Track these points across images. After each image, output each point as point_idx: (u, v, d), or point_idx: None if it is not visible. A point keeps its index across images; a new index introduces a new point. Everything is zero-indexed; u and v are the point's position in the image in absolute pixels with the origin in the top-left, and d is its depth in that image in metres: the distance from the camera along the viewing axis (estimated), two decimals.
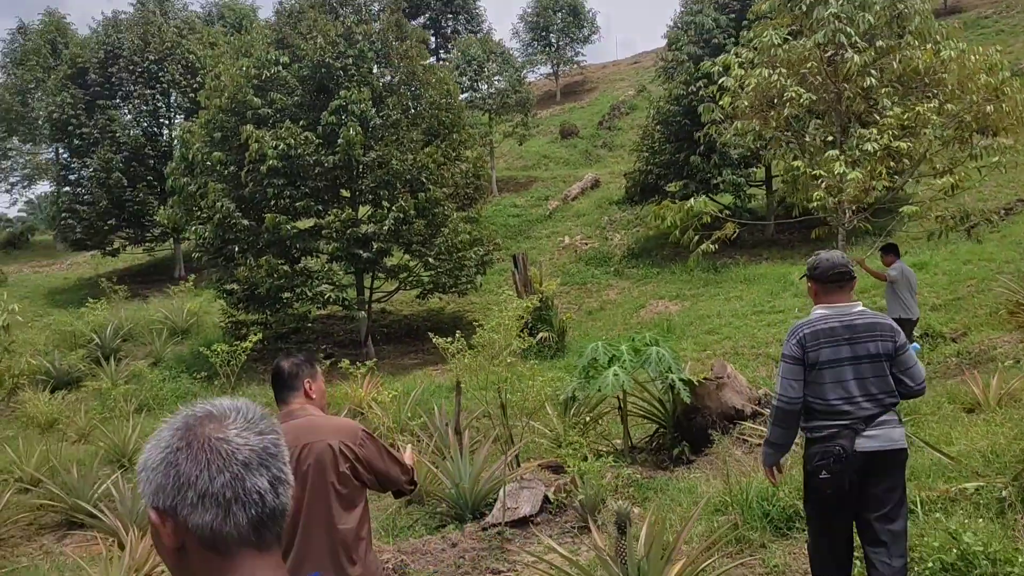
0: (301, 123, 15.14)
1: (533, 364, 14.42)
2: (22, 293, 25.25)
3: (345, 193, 16.58)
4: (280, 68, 15.43)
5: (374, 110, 15.43)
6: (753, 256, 19.30)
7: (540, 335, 14.37)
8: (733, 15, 19.39)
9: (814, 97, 8.76)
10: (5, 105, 30.63)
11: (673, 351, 7.52)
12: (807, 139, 9.41)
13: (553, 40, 40.03)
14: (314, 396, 3.18)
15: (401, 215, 15.02)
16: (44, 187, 36.92)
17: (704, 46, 18.96)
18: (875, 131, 8.43)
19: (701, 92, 18.28)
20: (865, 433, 3.64)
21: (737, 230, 11.25)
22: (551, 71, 40.83)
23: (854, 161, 8.61)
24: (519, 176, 30.19)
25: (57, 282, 26.93)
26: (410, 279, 17.37)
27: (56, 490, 9.55)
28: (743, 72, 9.32)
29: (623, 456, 7.75)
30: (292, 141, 14.62)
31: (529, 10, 39.95)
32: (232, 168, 15.65)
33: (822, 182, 8.65)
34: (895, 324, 3.82)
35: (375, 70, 15.88)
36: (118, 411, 13.17)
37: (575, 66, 41.45)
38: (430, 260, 15.63)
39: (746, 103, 9.31)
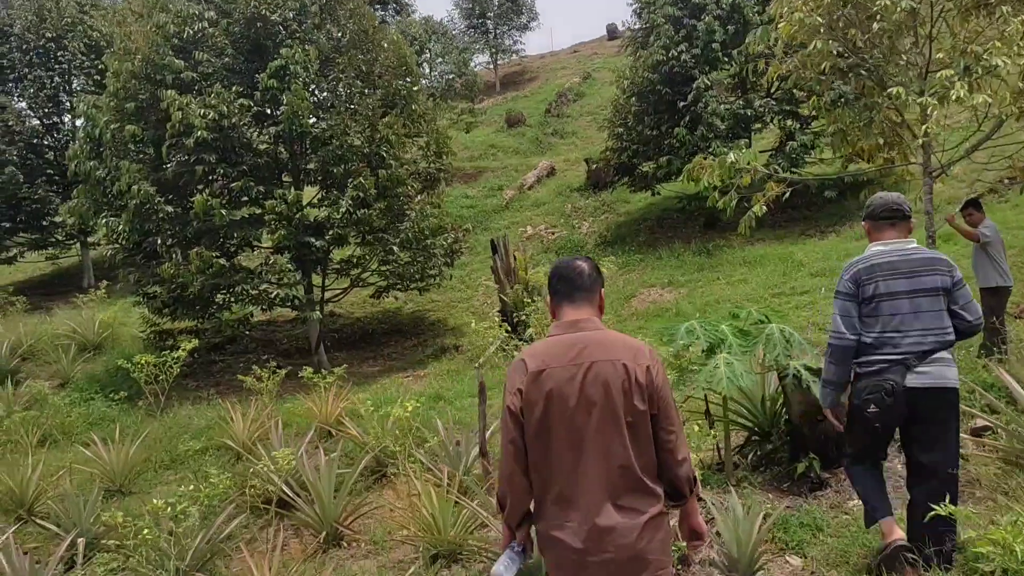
0: (234, 88, 12.61)
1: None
2: None
3: (287, 178, 14.08)
4: (206, 24, 12.86)
5: (322, 73, 13.04)
6: (748, 238, 17.57)
7: (529, 331, 12.23)
8: None
9: (915, 4, 6.85)
10: None
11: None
12: (905, 60, 7.51)
13: (491, 27, 37.97)
14: (601, 312, 2.78)
15: (360, 195, 12.64)
16: None
17: (684, 6, 17.14)
18: (997, 44, 6.56)
19: (684, 56, 16.49)
20: (917, 369, 3.63)
21: (787, 192, 9.30)
22: (489, 60, 38.72)
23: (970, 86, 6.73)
24: (467, 167, 28.09)
25: None
26: (364, 275, 14.98)
27: None
28: None
29: (716, 475, 5.68)
30: (224, 109, 12.09)
31: None
32: (150, 146, 12.99)
33: (931, 110, 6.74)
34: (951, 260, 3.79)
35: (321, 27, 13.43)
36: (15, 444, 10.45)
37: (515, 55, 39.46)
38: (395, 248, 13.26)
39: (819, 18, 7.35)
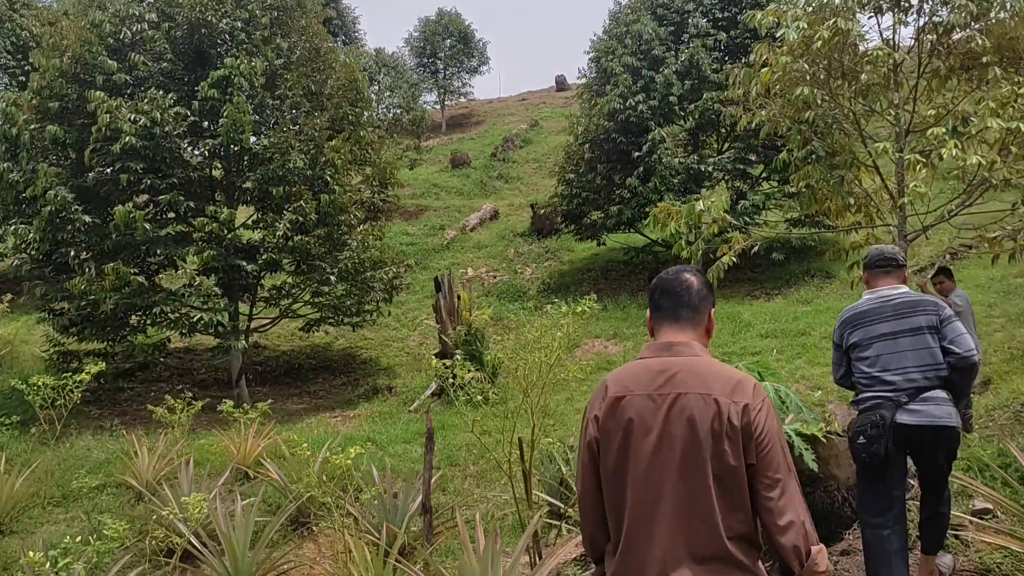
0: (170, 95, 11.73)
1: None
2: None
3: (219, 197, 13.17)
4: (146, 26, 12.00)
5: (267, 88, 12.29)
6: None
7: (470, 375, 11.51)
8: (672, 27, 17.66)
9: (906, 57, 6.59)
10: None
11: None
12: (893, 115, 7.22)
13: (440, 67, 37.74)
14: (709, 336, 2.42)
15: (299, 220, 11.83)
16: None
17: (643, 57, 17.03)
18: (991, 106, 6.32)
19: (641, 107, 16.32)
20: (908, 407, 3.72)
21: (757, 244, 8.94)
22: (437, 100, 38.41)
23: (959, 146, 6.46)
24: (409, 204, 27.42)
25: None
26: (295, 306, 14.08)
27: None
28: (804, 21, 7.04)
29: None
30: (158, 115, 11.19)
31: (416, 34, 37.54)
32: (72, 150, 11.97)
33: (921, 168, 6.44)
34: (939, 300, 3.93)
35: (270, 41, 12.71)
36: None
37: (463, 97, 39.25)
38: (331, 279, 12.44)
39: (805, 64, 7.04)
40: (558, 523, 5.97)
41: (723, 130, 18.33)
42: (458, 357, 5.24)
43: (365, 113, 14.61)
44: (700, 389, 2.19)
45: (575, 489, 2.65)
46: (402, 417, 11.61)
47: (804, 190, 8.89)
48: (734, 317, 14.74)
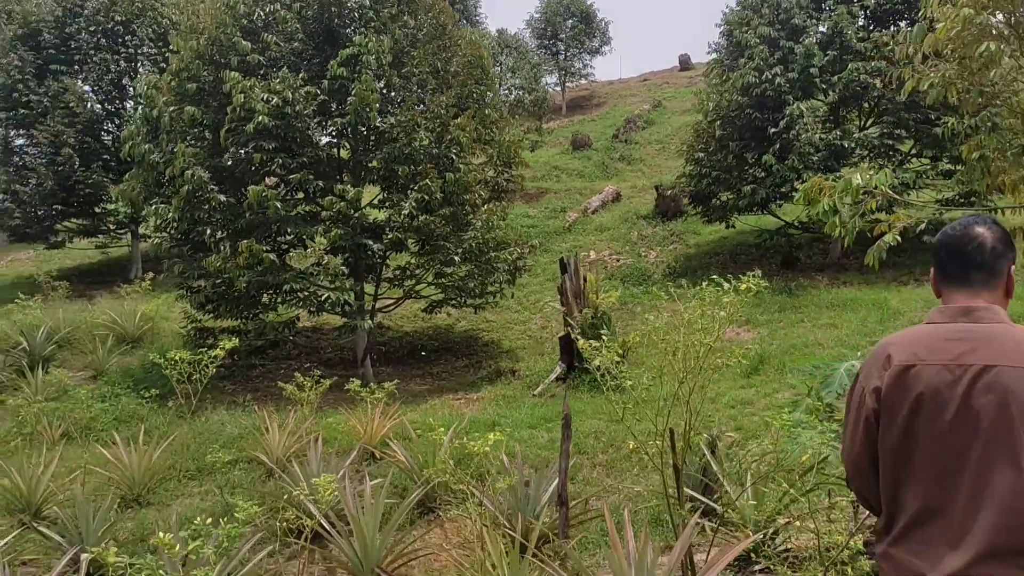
0: (301, 75, 11.80)
1: (588, 395, 11.13)
2: None
3: (347, 177, 13.21)
4: (278, 6, 12.11)
5: (394, 66, 12.19)
6: (832, 280, 16.28)
7: (596, 361, 11.10)
8: None
9: None
10: None
11: None
12: None
13: (561, 48, 37.20)
14: (1009, 297, 2.10)
15: (424, 198, 11.68)
16: None
17: (781, 27, 16.01)
18: None
19: (778, 80, 15.33)
20: None
21: (923, 223, 8.09)
22: (557, 82, 37.91)
23: None
24: (529, 187, 27.16)
25: None
26: (418, 287, 14.02)
27: None
28: None
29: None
30: (289, 95, 11.26)
31: (537, 15, 37.12)
32: (209, 131, 12.24)
33: None
34: None
35: (398, 18, 12.59)
36: (32, 438, 9.62)
37: (583, 79, 38.61)
38: (455, 259, 12.26)
39: (992, 17, 6.17)
40: (700, 520, 5.49)
41: (867, 104, 17.05)
42: (604, 337, 4.81)
43: (489, 92, 14.33)
44: (1013, 361, 1.91)
45: (844, 465, 2.30)
46: (526, 401, 11.31)
47: (977, 162, 7.97)
48: (881, 304, 13.70)
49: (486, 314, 16.25)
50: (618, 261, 19.76)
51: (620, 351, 4.28)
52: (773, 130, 15.52)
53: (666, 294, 5.56)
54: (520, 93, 24.13)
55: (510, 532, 4.60)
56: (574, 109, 38.36)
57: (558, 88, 37.94)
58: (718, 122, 16.82)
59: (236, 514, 4.16)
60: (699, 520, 5.59)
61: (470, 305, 14.12)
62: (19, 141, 20.47)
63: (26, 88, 19.24)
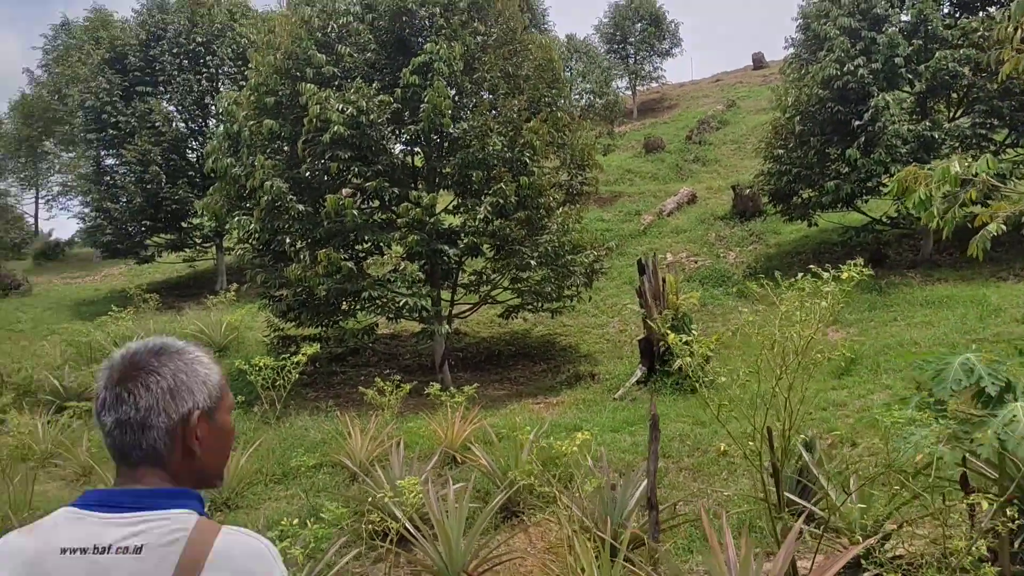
0: (375, 85, 11.92)
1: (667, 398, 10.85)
2: (45, 304, 22.57)
3: (421, 184, 13.28)
4: (351, 18, 12.28)
5: (465, 72, 12.22)
6: (925, 277, 15.58)
7: (678, 362, 10.85)
8: None
9: None
10: (43, 104, 28.30)
11: None
12: None
13: (631, 52, 36.87)
14: None
15: (499, 203, 11.64)
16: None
17: (862, 17, 15.44)
18: None
19: (861, 71, 14.78)
20: None
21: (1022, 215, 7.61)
22: (627, 86, 37.60)
23: None
24: (602, 191, 26.95)
25: (87, 294, 24.27)
26: (494, 292, 13.98)
27: None
28: None
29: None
30: (363, 104, 11.39)
31: (606, 20, 36.90)
32: (286, 143, 12.49)
33: None
34: None
35: (468, 25, 12.62)
36: None
37: (654, 82, 38.17)
38: (531, 263, 12.17)
39: None
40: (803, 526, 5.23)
41: (956, 93, 16.31)
42: (695, 332, 4.62)
43: (561, 95, 14.24)
44: None
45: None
46: (607, 405, 11.12)
47: None
48: (980, 300, 13.02)
49: (563, 318, 16.13)
50: (696, 263, 19.37)
51: (711, 347, 4.07)
52: (857, 123, 14.97)
53: (758, 287, 5.34)
54: (591, 98, 23.96)
55: (600, 535, 4.45)
56: (646, 112, 37.96)
57: (629, 92, 37.62)
58: (797, 117, 16.32)
59: (323, 515, 4.14)
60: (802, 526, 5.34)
61: (546, 309, 14.02)
62: (109, 161, 21.36)
63: (114, 109, 20.08)
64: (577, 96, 24.74)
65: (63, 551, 1.37)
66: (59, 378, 13.85)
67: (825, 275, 4.04)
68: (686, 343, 4.16)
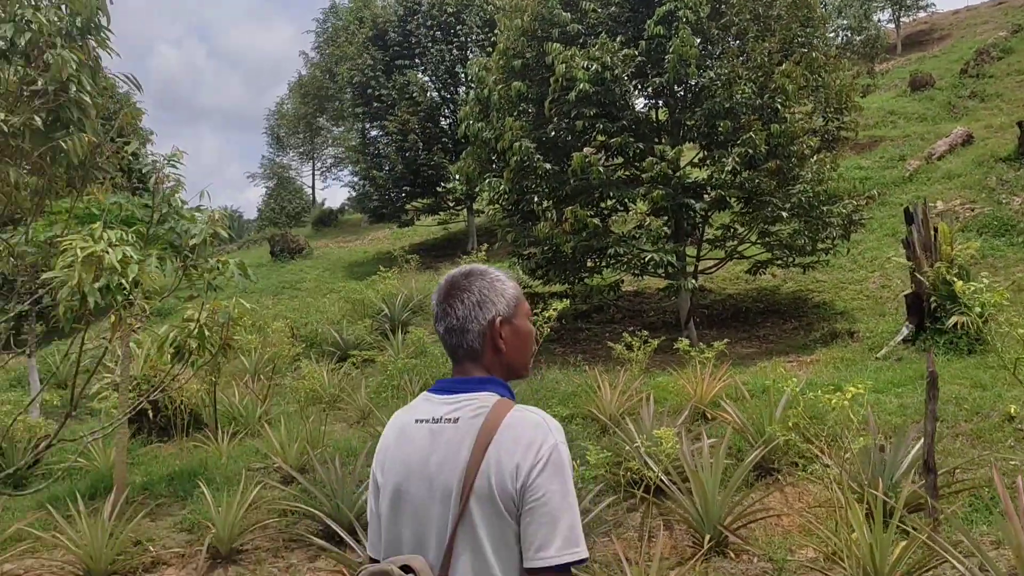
0: (619, 39, 11.86)
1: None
2: (324, 266, 25.15)
3: (664, 137, 13.06)
4: None
5: (712, 18, 11.78)
6: None
7: (952, 319, 9.87)
8: None
9: None
10: (316, 83, 31.27)
11: None
12: None
13: None
14: None
15: (748, 152, 11.18)
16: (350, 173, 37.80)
17: None
18: None
19: None
20: None
21: None
22: (890, 18, 34.20)
23: None
24: (861, 135, 24.89)
25: (357, 256, 26.68)
26: (741, 247, 13.49)
27: (314, 490, 7.16)
28: None
29: None
30: (608, 60, 11.38)
31: None
32: (533, 103, 12.82)
33: None
34: None
35: None
36: (400, 390, 10.88)
37: (921, 11, 34.41)
38: (783, 215, 11.61)
39: None
40: None
41: None
42: (983, 279, 4.19)
43: (816, 34, 13.29)
44: None
45: None
46: (868, 364, 10.42)
47: None
48: None
49: (815, 274, 15.24)
50: (972, 211, 17.39)
51: (1005, 296, 3.66)
52: None
53: None
54: (848, 34, 22.05)
55: (873, 494, 4.22)
56: (911, 46, 34.36)
57: (891, 25, 34.22)
58: None
59: (588, 457, 4.30)
60: None
61: (798, 264, 13.33)
62: (373, 132, 23.21)
63: (377, 84, 21.72)
64: (832, 34, 22.88)
65: (416, 421, 1.90)
66: (339, 331, 15.46)
67: None
68: (974, 291, 3.78)
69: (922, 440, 4.75)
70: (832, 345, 12.03)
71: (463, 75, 21.91)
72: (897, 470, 5.35)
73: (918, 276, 10.64)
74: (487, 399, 1.85)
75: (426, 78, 22.30)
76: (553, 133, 12.44)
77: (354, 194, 24.45)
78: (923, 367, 9.49)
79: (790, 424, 6.11)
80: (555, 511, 1.72)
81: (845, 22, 22.06)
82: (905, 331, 10.99)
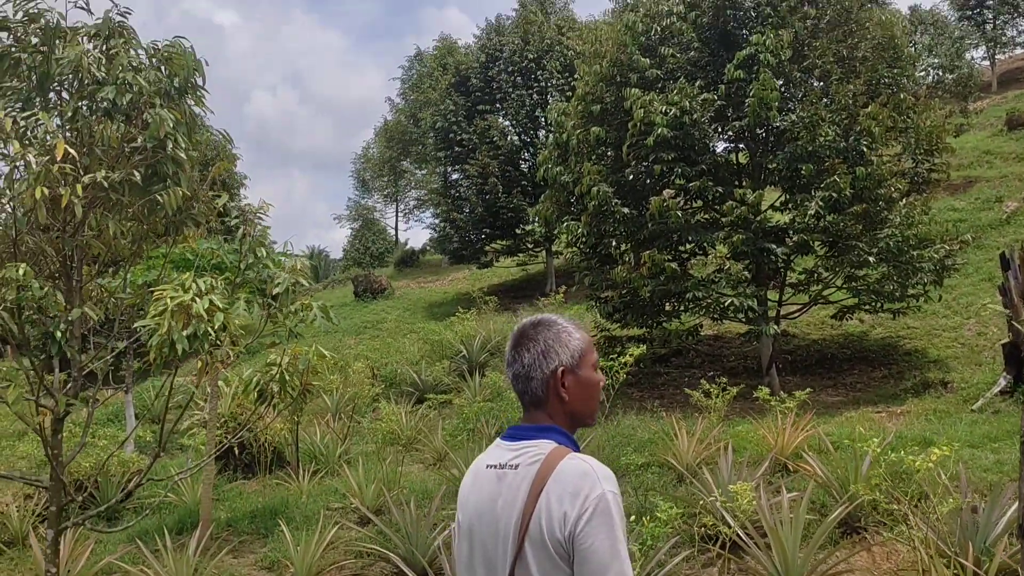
0: (698, 83, 11.85)
1: None
2: (404, 306, 25.59)
3: (745, 181, 12.91)
4: (674, 19, 12.34)
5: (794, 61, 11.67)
6: None
7: None
8: None
9: None
10: (401, 128, 32.19)
11: None
12: None
13: (989, 17, 32.43)
14: None
15: (832, 196, 10.94)
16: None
17: None
18: None
19: None
20: None
21: None
22: (985, 56, 33.12)
23: None
24: (953, 176, 24.03)
25: (437, 296, 27.08)
26: (826, 292, 13.12)
27: (389, 532, 7.24)
28: None
29: None
30: (687, 104, 11.38)
31: None
32: (612, 148, 12.89)
33: None
34: None
35: (797, 10, 12.04)
36: (476, 434, 10.91)
37: (1018, 48, 33.23)
38: (870, 260, 11.28)
39: None
40: None
41: None
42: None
43: (904, 74, 12.99)
44: None
45: None
46: (963, 417, 9.94)
47: None
48: None
49: (906, 319, 14.68)
50: None
51: None
52: None
53: None
54: (939, 73, 21.43)
55: (961, 561, 4.01)
56: (1008, 84, 33.14)
57: (986, 62, 33.13)
58: None
59: (658, 514, 4.23)
60: None
61: (887, 310, 12.87)
62: (455, 175, 23.70)
63: (459, 128, 22.21)
64: (923, 73, 22.27)
65: (487, 466, 2.01)
66: (417, 372, 15.67)
67: None
68: None
69: (1018, 502, 4.49)
70: (924, 395, 11.54)
71: (543, 119, 22.21)
72: (991, 532, 5.07)
73: (1016, 325, 10.15)
74: (545, 446, 1.92)
75: (506, 122, 22.70)
76: (631, 177, 12.46)
77: (435, 235, 24.90)
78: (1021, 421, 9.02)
79: (877, 481, 5.87)
80: (604, 561, 1.76)
81: (936, 60, 21.46)
82: (1003, 382, 10.47)
